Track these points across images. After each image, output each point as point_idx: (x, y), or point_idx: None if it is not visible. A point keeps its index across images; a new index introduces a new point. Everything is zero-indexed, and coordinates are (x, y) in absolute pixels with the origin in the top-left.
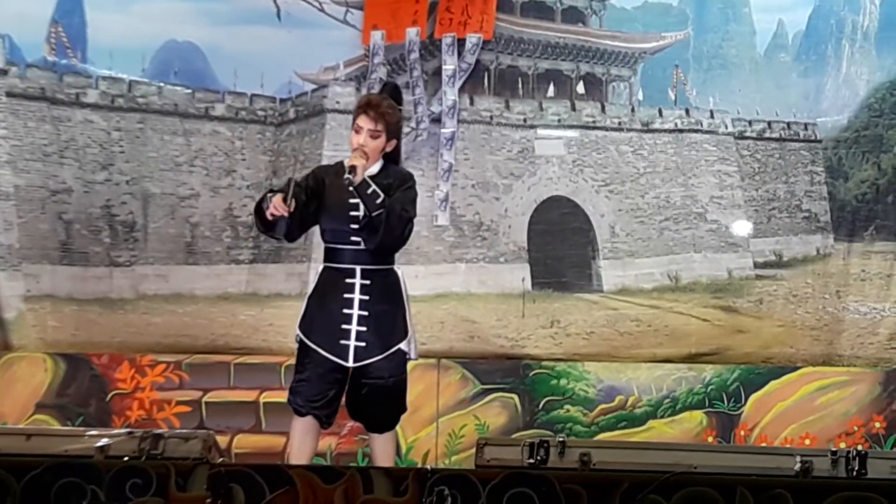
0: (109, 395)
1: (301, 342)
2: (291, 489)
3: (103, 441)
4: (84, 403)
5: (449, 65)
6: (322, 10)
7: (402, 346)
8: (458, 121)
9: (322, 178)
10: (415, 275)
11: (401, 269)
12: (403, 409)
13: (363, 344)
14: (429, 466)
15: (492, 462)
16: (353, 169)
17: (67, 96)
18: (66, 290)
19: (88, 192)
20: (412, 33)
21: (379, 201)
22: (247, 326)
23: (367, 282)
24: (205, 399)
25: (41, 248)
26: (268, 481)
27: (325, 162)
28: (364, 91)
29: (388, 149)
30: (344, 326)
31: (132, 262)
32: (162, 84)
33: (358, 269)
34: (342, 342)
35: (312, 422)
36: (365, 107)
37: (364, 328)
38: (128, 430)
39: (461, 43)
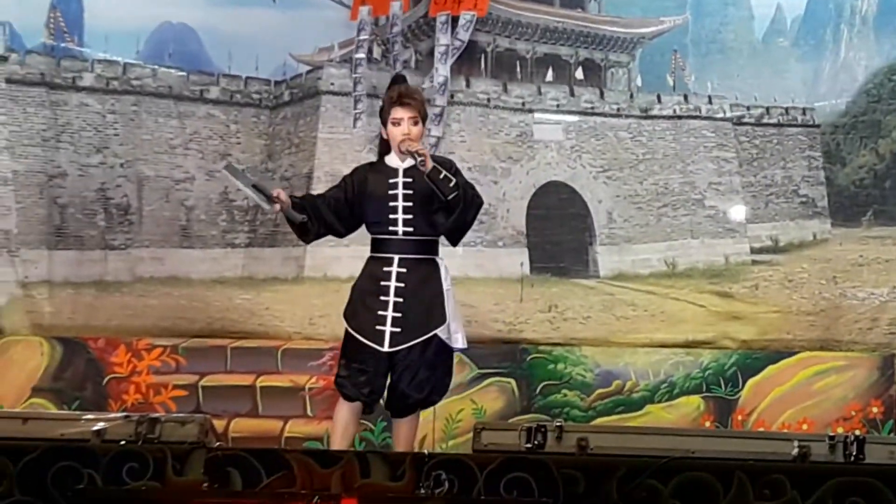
0: (106, 379)
1: (346, 329)
2: (288, 473)
3: (100, 425)
4: (80, 387)
5: (442, 42)
6: None
7: (440, 332)
8: (452, 101)
9: (364, 175)
10: None
11: (444, 261)
12: (433, 397)
13: (398, 329)
14: (426, 451)
15: (489, 447)
16: (422, 156)
17: (64, 80)
18: (62, 275)
19: (83, 176)
20: (395, 7)
21: (452, 185)
22: (243, 310)
23: (404, 270)
24: (201, 383)
25: (38, 233)
26: (264, 465)
27: (319, 144)
28: (354, 70)
29: (423, 135)
30: (380, 313)
31: (127, 245)
32: (157, 67)
33: (396, 257)
34: (378, 328)
35: (358, 406)
36: (399, 97)
37: (399, 314)
38: (124, 414)
39: (455, 21)
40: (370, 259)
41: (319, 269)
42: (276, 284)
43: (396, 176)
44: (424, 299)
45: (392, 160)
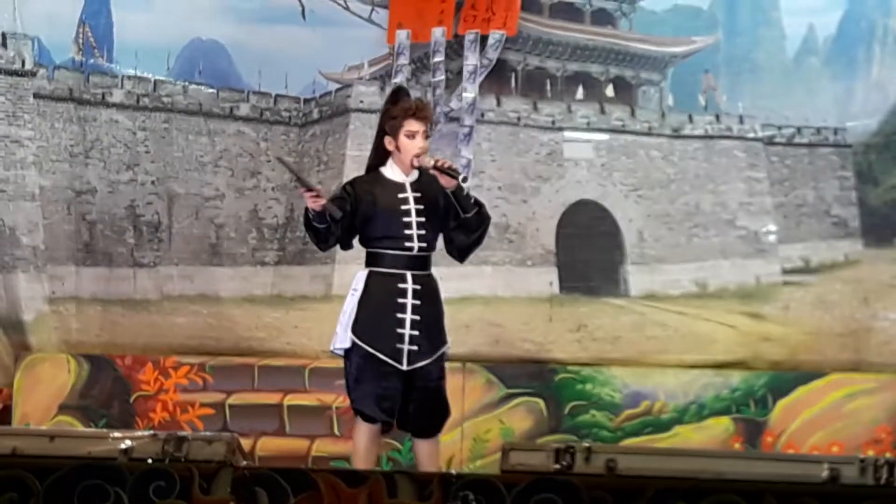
0: (133, 397)
1: (356, 346)
2: (315, 493)
3: (127, 443)
4: (107, 405)
5: (470, 61)
6: (347, 9)
7: (445, 349)
8: (482, 120)
9: (369, 188)
10: (439, 277)
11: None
12: (448, 412)
13: (416, 347)
14: (453, 471)
15: (517, 467)
16: (457, 173)
17: (93, 96)
18: (90, 292)
19: (113, 193)
20: (438, 33)
21: (472, 202)
22: (271, 328)
23: (419, 287)
24: (228, 401)
25: (66, 250)
26: (291, 485)
27: (348, 162)
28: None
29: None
30: (399, 330)
31: (156, 262)
32: (187, 83)
33: (409, 274)
34: (397, 346)
35: (378, 428)
36: (416, 110)
37: (416, 332)
38: (151, 432)
39: (484, 40)
40: (377, 274)
41: (348, 288)
42: (305, 303)
43: (405, 191)
44: (435, 316)
45: (393, 173)
